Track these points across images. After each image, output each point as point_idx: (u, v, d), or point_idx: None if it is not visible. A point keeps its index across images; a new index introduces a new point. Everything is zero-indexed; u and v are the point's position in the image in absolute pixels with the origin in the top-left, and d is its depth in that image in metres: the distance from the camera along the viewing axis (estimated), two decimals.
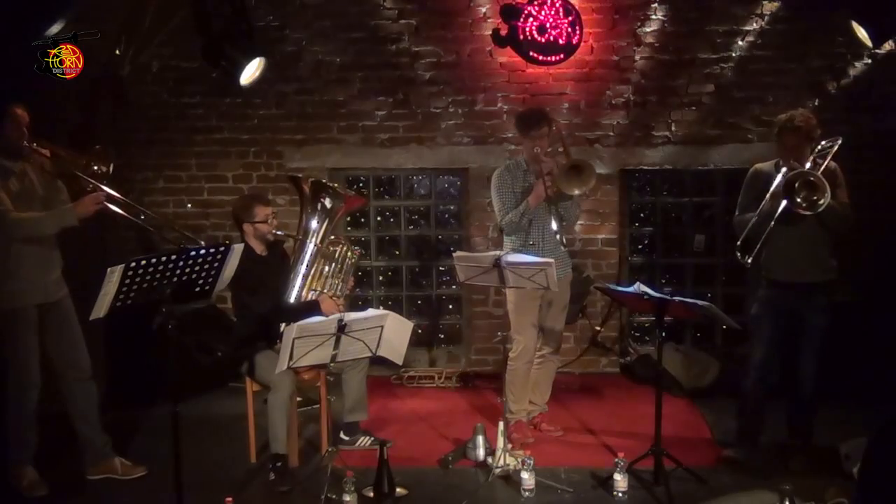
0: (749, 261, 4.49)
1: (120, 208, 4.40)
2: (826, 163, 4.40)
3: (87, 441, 4.60)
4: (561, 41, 6.31)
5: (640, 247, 6.98)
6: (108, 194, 4.33)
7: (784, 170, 4.43)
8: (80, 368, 4.54)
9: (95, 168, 4.40)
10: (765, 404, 4.74)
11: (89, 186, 4.33)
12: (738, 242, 4.52)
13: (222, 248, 3.82)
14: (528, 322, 5.02)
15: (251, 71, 5.79)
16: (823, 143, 4.49)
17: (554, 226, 4.94)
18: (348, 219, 6.81)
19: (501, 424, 4.61)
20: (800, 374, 4.63)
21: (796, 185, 4.29)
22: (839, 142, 4.45)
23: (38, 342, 4.40)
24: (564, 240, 5.03)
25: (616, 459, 4.34)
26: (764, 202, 4.47)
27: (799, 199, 4.29)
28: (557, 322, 5.18)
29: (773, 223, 4.42)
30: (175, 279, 3.67)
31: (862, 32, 5.62)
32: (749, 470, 4.59)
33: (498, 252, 4.57)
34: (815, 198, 4.26)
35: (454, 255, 4.82)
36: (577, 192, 4.85)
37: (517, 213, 4.92)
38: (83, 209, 4.28)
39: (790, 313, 4.63)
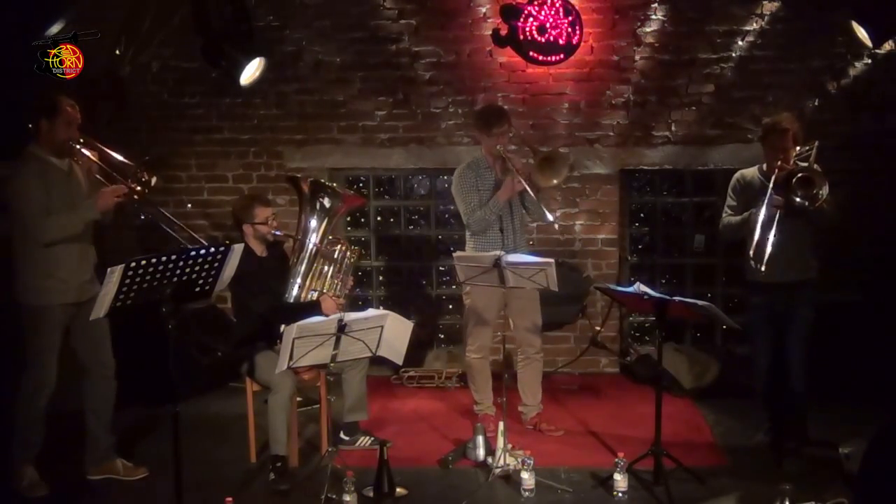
0: (763, 268, 4.41)
1: (153, 216, 4.39)
2: (812, 163, 4.39)
3: (93, 438, 4.59)
4: (561, 41, 6.30)
5: (640, 247, 6.97)
6: (134, 191, 4.30)
7: (776, 171, 4.42)
8: (105, 365, 4.56)
9: (141, 177, 4.34)
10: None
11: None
12: (751, 253, 4.44)
13: (222, 249, 3.82)
14: (480, 319, 5.09)
15: (251, 71, 5.79)
16: (799, 147, 4.50)
17: (517, 222, 5.05)
18: (348, 219, 6.82)
19: (501, 424, 4.61)
20: (787, 366, 4.63)
21: (792, 181, 4.29)
22: (816, 144, 4.47)
23: (61, 341, 4.39)
24: (529, 236, 5.26)
25: (616, 459, 4.34)
26: (761, 211, 4.42)
27: (798, 198, 4.29)
28: (527, 318, 5.17)
29: (773, 231, 4.39)
30: (175, 279, 3.68)
31: (862, 32, 5.61)
32: (747, 471, 4.58)
33: (498, 252, 4.58)
34: (813, 191, 4.27)
35: (454, 255, 4.84)
36: (555, 181, 4.94)
37: (487, 209, 4.99)
38: (104, 202, 4.27)
39: (780, 314, 4.64)
